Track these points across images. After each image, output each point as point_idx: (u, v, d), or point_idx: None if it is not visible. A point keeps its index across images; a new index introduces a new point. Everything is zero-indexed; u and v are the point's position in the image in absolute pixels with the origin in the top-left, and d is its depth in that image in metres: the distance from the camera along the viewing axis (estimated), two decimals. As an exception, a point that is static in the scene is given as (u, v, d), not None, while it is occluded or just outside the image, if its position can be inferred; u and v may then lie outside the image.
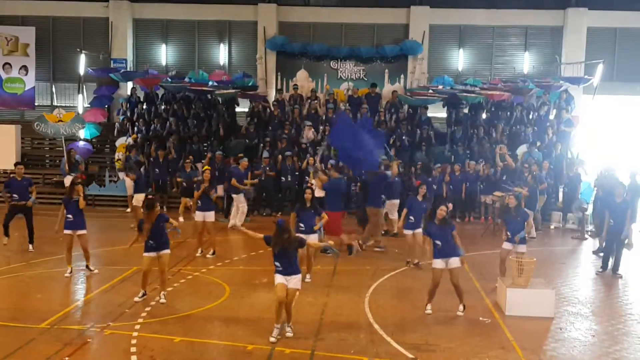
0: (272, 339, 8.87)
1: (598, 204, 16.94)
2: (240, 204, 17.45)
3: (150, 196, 11.70)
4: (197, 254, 14.16)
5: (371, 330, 9.56)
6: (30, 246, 14.53)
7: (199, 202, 14.22)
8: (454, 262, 10.22)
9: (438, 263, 10.26)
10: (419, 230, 13.33)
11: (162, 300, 10.59)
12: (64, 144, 21.55)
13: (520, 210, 11.83)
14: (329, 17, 25.41)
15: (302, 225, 11.84)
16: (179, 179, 19.16)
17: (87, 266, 12.59)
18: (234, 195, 17.61)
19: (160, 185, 20.43)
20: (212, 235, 14.40)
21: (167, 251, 10.74)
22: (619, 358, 8.83)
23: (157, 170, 20.33)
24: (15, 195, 14.55)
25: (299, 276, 9.21)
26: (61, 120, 21.43)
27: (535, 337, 9.45)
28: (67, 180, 18.84)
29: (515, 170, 18.42)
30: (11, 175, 15.15)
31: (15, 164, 15.28)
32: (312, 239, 11.99)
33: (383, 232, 17.06)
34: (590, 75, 22.59)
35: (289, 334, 9.09)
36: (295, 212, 12.06)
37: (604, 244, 14.05)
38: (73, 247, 12.48)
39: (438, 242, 10.24)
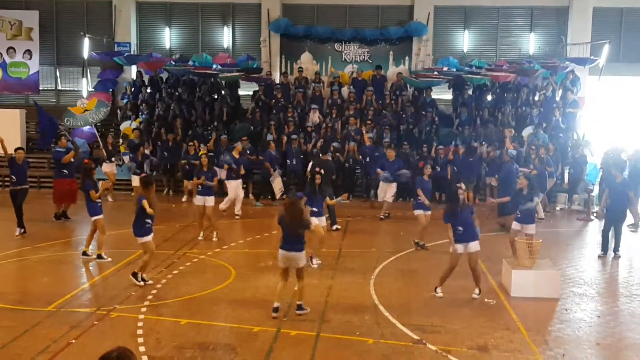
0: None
1: (603, 185, 16.92)
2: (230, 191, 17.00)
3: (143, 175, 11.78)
4: (199, 238, 14.18)
5: (376, 312, 9.58)
6: (19, 230, 14.33)
7: (200, 186, 14.31)
8: (474, 246, 10.15)
9: (459, 247, 10.18)
10: (428, 212, 13.40)
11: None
12: (96, 132, 21.47)
13: (532, 190, 11.81)
14: (332, -2, 25.24)
15: (314, 208, 12.05)
16: (182, 162, 19.26)
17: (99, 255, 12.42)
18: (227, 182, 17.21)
19: (169, 169, 20.45)
20: (213, 219, 14.41)
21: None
22: (625, 338, 8.83)
23: (165, 154, 20.33)
24: (14, 177, 14.59)
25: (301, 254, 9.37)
26: (87, 110, 21.41)
27: (540, 318, 9.47)
28: (109, 167, 18.92)
29: (520, 153, 18.35)
30: (12, 156, 15.03)
31: (16, 149, 15.17)
32: (320, 220, 12.22)
33: (384, 216, 17.11)
34: (596, 56, 22.38)
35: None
36: (306, 196, 12.20)
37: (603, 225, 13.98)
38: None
39: (460, 228, 10.16)
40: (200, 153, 15.34)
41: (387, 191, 17.27)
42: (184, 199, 19.06)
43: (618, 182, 13.43)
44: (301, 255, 9.32)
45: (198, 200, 14.35)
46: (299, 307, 9.32)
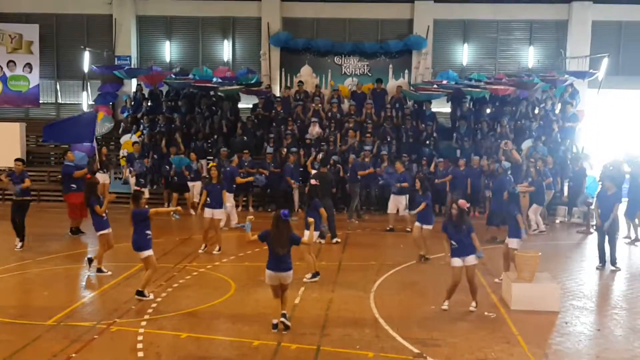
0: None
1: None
2: (228, 203, 16.64)
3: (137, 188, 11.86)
4: (200, 250, 14.19)
5: (376, 325, 9.57)
6: (20, 244, 14.27)
7: (208, 199, 14.27)
8: (470, 259, 10.13)
9: (456, 262, 10.18)
10: (427, 226, 13.40)
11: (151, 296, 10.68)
12: (96, 146, 21.21)
13: (510, 206, 11.84)
14: (332, 12, 25.32)
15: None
16: (171, 173, 19.32)
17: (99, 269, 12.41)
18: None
19: (170, 182, 20.45)
20: (219, 232, 14.44)
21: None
22: (625, 351, 8.82)
23: (167, 167, 20.31)
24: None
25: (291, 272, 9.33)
26: None
27: (540, 331, 9.46)
28: (101, 178, 18.79)
29: (520, 166, 18.35)
30: (10, 170, 15.05)
31: (15, 160, 15.16)
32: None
33: (388, 229, 17.08)
34: (595, 69, 22.48)
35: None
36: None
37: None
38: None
39: (454, 243, 10.18)
40: (210, 166, 15.45)
41: (398, 205, 17.07)
42: (193, 212, 18.95)
43: (608, 195, 13.42)
44: (290, 274, 9.27)
45: (206, 212, 14.32)
46: (283, 316, 9.27)
